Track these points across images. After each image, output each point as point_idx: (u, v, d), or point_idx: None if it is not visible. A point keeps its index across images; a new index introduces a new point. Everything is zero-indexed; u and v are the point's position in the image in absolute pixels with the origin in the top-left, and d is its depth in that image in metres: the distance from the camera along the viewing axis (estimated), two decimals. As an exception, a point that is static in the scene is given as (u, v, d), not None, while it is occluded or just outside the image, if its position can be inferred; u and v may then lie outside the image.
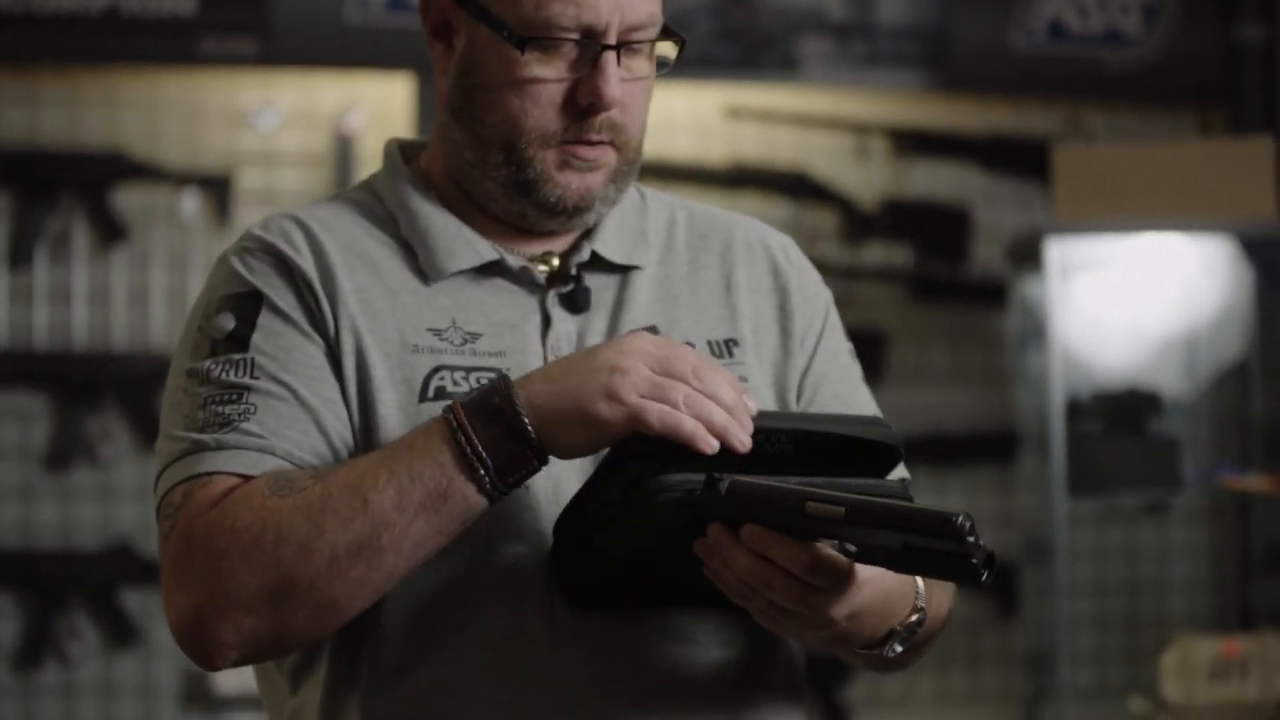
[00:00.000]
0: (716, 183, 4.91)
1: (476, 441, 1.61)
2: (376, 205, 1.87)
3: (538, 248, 1.85)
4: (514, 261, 1.82)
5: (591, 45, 1.75)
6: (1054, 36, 5.07)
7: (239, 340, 1.75)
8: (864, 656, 1.75)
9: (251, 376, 1.72)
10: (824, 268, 4.69)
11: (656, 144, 4.30)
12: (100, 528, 4.58)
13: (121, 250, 4.61)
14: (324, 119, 4.72)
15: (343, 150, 4.68)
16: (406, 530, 1.62)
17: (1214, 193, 4.51)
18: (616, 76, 1.75)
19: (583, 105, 1.76)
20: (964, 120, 5.11)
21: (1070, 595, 4.62)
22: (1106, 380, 4.78)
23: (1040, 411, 4.65)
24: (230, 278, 1.80)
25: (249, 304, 1.76)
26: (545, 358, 1.78)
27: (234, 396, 1.72)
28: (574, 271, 1.84)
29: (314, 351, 1.75)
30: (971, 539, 1.45)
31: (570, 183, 1.79)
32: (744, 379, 1.82)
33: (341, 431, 1.73)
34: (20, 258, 4.56)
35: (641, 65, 1.79)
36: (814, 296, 1.95)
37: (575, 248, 1.86)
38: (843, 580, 1.58)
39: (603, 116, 1.76)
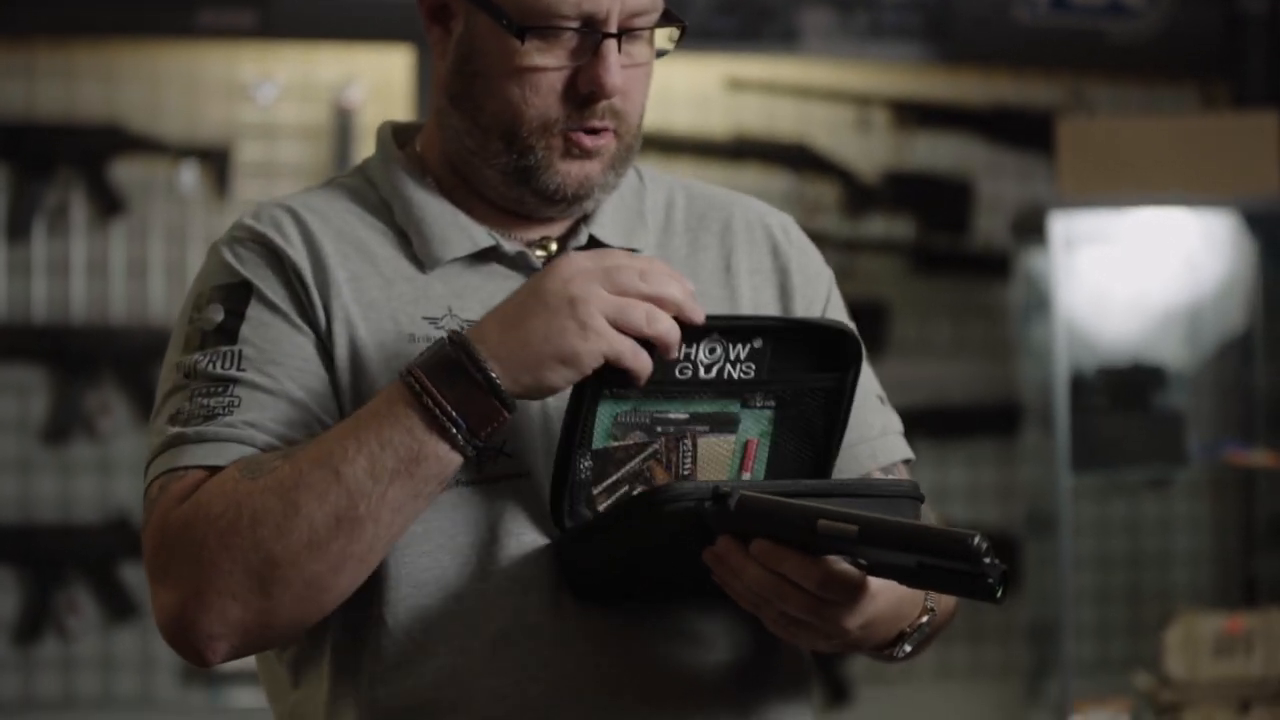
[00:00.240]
0: (717, 155, 4.90)
1: (444, 402, 1.61)
2: (370, 192, 1.85)
3: (535, 233, 1.84)
4: (510, 247, 1.81)
5: (593, 33, 1.72)
6: (1056, 8, 5.04)
7: (228, 332, 1.73)
8: (873, 655, 1.74)
9: (238, 368, 1.71)
10: (825, 240, 4.71)
11: (657, 116, 4.28)
12: (99, 501, 4.57)
13: (120, 223, 4.59)
14: (323, 91, 4.70)
15: (342, 123, 4.66)
16: (384, 497, 1.61)
17: (1218, 166, 4.50)
18: (618, 64, 1.73)
19: (584, 93, 1.73)
20: (966, 92, 5.09)
21: (1073, 569, 4.61)
22: (1110, 354, 4.78)
23: (1043, 384, 4.65)
24: (221, 268, 1.78)
25: (238, 295, 1.75)
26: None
27: (219, 389, 1.70)
28: (571, 256, 1.82)
29: (303, 343, 1.74)
30: (987, 560, 1.44)
31: (570, 170, 1.77)
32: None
33: (328, 423, 1.71)
34: (18, 231, 4.54)
35: (642, 51, 1.77)
36: (815, 276, 1.93)
37: (572, 232, 1.84)
38: (855, 593, 1.57)
39: (604, 104, 1.74)
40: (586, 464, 1.68)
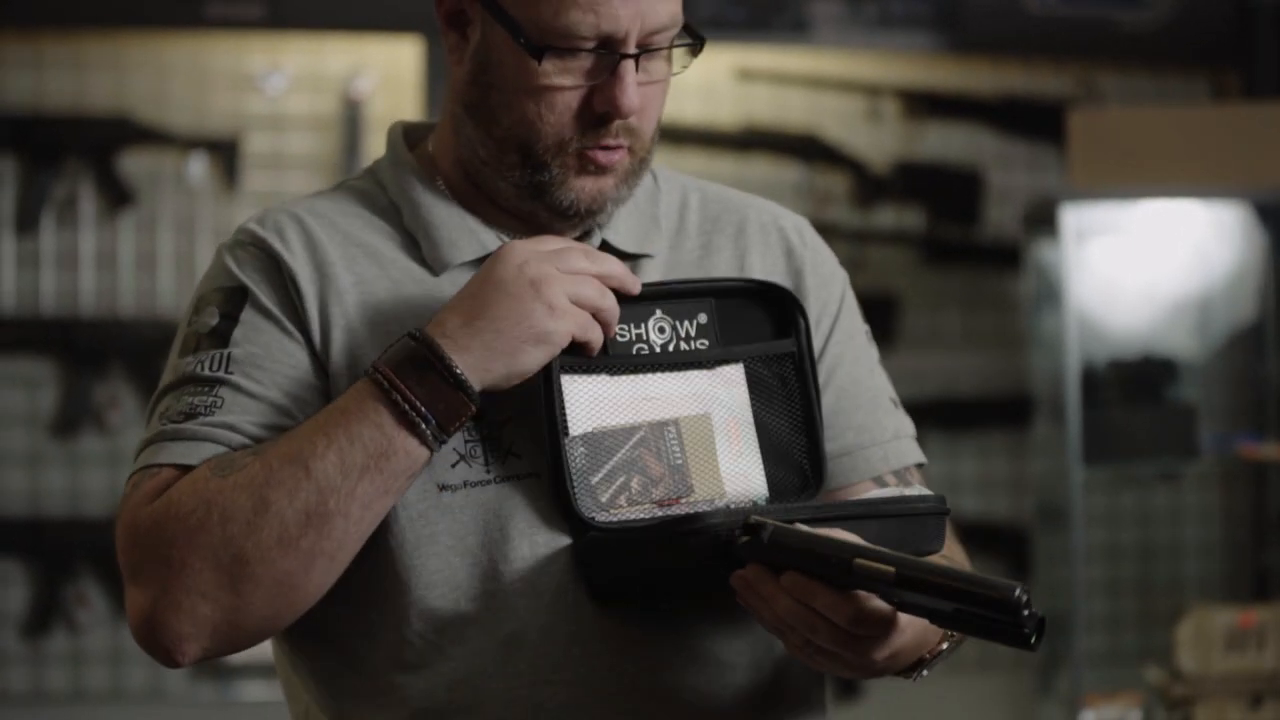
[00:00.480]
0: (727, 145, 4.89)
1: (414, 398, 1.63)
2: (380, 194, 1.85)
3: (545, 237, 1.83)
4: (519, 251, 1.80)
5: (610, 54, 1.72)
6: (1067, -2, 5.03)
7: (220, 335, 1.74)
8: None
9: (226, 371, 1.72)
10: (835, 231, 4.69)
11: (666, 107, 4.26)
12: (108, 494, 4.57)
13: (128, 215, 4.59)
14: (332, 82, 4.69)
15: (351, 114, 4.65)
16: (353, 493, 1.62)
17: (1229, 157, 4.49)
18: (635, 85, 1.72)
19: (599, 112, 1.73)
20: (976, 82, 5.08)
21: (1084, 562, 4.61)
22: (1121, 345, 4.77)
23: (1054, 375, 4.64)
24: (221, 272, 1.79)
25: (234, 299, 1.76)
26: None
27: (204, 390, 1.71)
28: (584, 261, 1.82)
29: (294, 349, 1.74)
30: (1027, 613, 1.43)
31: (584, 187, 1.76)
32: None
33: None
34: (27, 222, 4.54)
35: (660, 67, 1.77)
36: (829, 278, 1.92)
37: (585, 237, 1.83)
38: (886, 629, 1.57)
39: (619, 123, 1.74)
40: (580, 450, 1.70)
